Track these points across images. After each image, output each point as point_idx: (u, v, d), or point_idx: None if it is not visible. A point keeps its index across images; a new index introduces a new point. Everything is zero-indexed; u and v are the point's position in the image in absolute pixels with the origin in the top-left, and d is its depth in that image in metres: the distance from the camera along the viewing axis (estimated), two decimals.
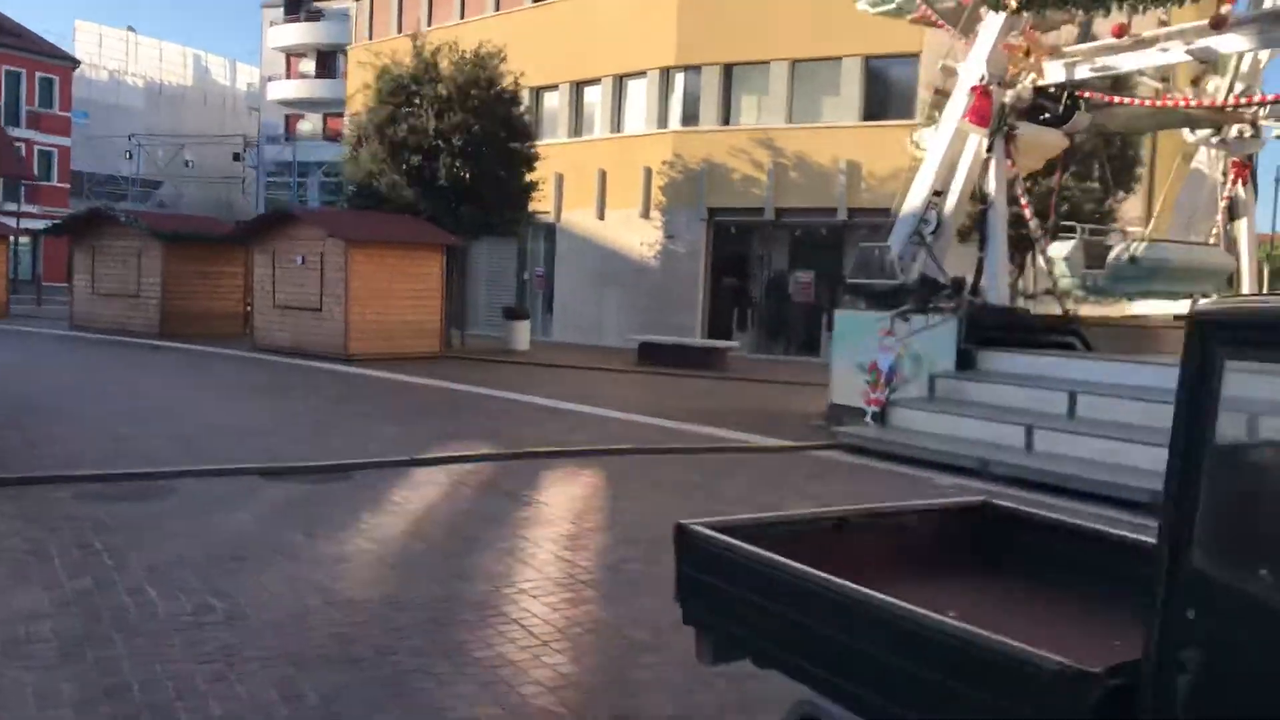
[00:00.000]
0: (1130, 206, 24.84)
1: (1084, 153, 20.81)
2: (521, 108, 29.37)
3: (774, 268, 32.15)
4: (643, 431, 14.99)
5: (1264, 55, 15.85)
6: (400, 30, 39.86)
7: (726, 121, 32.67)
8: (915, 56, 29.57)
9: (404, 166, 26.38)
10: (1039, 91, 15.44)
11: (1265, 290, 17.99)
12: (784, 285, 31.49)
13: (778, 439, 14.64)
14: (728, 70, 32.76)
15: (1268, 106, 16.24)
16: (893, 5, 19.69)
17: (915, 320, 14.87)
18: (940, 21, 17.68)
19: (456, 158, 26.16)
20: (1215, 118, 16.52)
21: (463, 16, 39.01)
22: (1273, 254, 41.02)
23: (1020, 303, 16.91)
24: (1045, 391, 13.35)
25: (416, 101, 26.61)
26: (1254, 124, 17.01)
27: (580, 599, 7.23)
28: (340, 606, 6.79)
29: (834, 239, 30.77)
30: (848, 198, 30.30)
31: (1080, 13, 15.19)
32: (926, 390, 14.69)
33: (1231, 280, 17.52)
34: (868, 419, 14.60)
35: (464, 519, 9.54)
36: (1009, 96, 15.49)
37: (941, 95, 24.26)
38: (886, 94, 30.96)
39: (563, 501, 10.33)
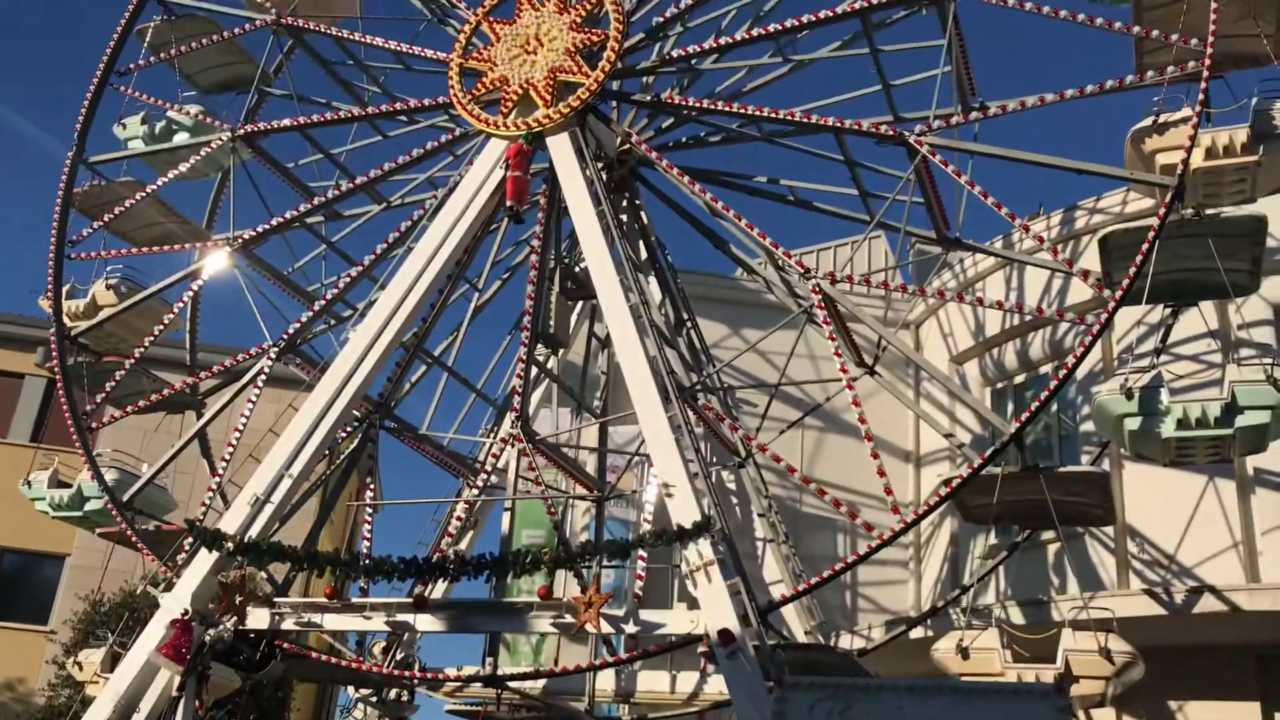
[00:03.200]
0: None
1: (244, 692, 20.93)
2: None
3: None
4: None
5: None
6: None
7: None
8: (63, 558, 28.08)
9: None
10: (239, 635, 15.53)
11: None
12: None
13: None
14: None
15: (423, 680, 17.96)
16: (79, 513, 18.97)
17: None
18: (141, 545, 17.34)
19: None
20: (382, 679, 17.86)
21: None
22: None
23: None
24: None
25: None
26: (411, 690, 18.71)
27: None
28: None
29: None
30: None
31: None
32: None
33: None
34: None
35: None
36: (209, 636, 15.34)
37: (93, 608, 23.16)
38: (21, 592, 28.50)
39: None
